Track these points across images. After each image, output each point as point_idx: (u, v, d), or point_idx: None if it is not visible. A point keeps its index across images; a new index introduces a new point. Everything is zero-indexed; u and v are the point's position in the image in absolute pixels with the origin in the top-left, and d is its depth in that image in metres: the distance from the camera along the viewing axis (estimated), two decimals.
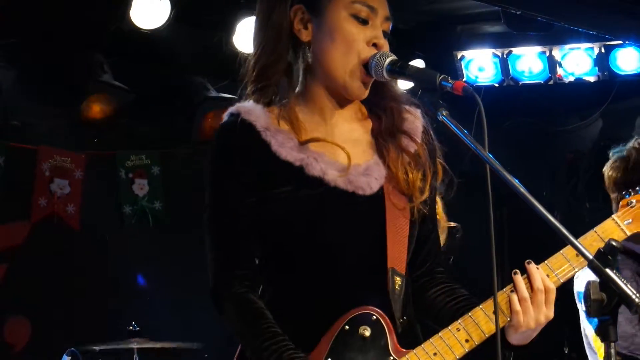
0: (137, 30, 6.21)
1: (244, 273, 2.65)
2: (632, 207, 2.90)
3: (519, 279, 2.64)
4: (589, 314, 2.28)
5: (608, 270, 2.24)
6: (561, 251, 2.73)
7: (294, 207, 2.63)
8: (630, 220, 2.89)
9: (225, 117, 2.75)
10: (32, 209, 7.00)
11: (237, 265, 2.65)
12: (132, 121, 7.20)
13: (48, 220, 7.02)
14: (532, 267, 2.66)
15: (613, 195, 4.23)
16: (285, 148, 2.66)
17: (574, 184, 7.76)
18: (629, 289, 2.22)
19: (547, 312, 2.63)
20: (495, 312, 2.48)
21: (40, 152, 7.08)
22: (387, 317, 2.63)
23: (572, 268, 2.73)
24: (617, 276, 2.23)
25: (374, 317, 2.62)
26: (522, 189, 2.38)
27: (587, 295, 2.25)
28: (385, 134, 2.76)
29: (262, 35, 2.76)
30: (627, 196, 2.93)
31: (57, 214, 7.05)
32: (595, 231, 2.82)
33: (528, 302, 2.61)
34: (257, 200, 2.65)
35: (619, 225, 2.85)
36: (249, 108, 2.70)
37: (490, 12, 6.89)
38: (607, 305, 2.24)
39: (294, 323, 2.61)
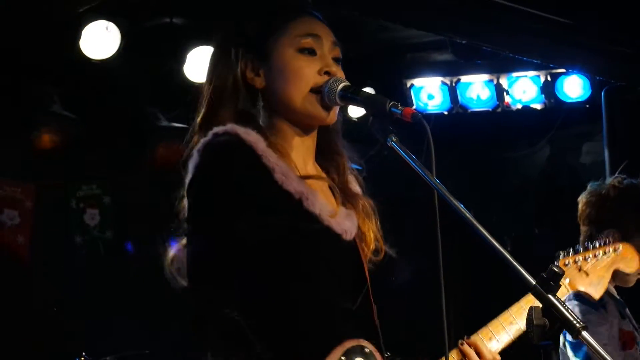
0: (87, 60, 6.20)
1: (231, 296, 2.57)
2: (569, 267, 3.12)
3: (469, 349, 2.82)
4: (532, 340, 2.33)
5: (550, 296, 2.29)
6: (498, 317, 2.94)
7: (289, 239, 2.62)
8: (569, 280, 3.08)
9: (216, 136, 2.64)
10: None
11: (226, 287, 2.57)
12: (83, 151, 7.17)
13: None
14: (474, 339, 2.84)
15: (583, 229, 4.31)
16: (288, 178, 2.64)
17: (523, 210, 7.85)
18: (570, 315, 2.27)
19: None
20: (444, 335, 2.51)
21: None
22: (377, 351, 2.69)
23: (509, 336, 2.93)
24: (559, 302, 2.28)
25: (367, 350, 2.66)
26: (469, 215, 2.42)
27: (529, 320, 2.30)
28: (340, 188, 2.83)
29: (208, 86, 2.80)
30: (561, 257, 3.13)
31: (7, 245, 6.98)
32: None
33: None
34: (251, 225, 2.58)
35: (562, 283, 3.03)
36: (246, 129, 2.65)
37: (438, 41, 6.98)
38: (550, 330, 2.29)
39: (286, 356, 2.59)
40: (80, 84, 6.78)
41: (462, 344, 2.80)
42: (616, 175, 4.46)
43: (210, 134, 2.65)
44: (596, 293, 3.25)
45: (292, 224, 2.62)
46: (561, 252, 3.23)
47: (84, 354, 6.01)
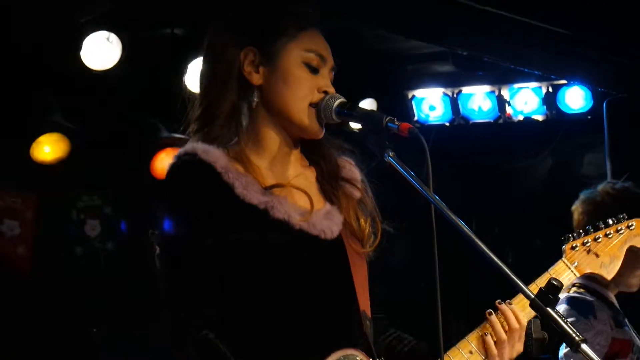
0: (89, 71, 6.19)
1: (206, 316, 2.56)
2: (576, 250, 3.03)
3: (496, 320, 2.71)
4: (530, 353, 2.32)
5: (549, 309, 2.27)
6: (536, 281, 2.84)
7: (261, 251, 2.59)
8: (577, 263, 3.01)
9: (177, 157, 2.66)
10: None
11: (199, 307, 2.56)
12: (84, 161, 7.16)
13: None
14: (504, 306, 2.72)
15: None
16: (250, 191, 2.62)
17: (525, 222, 7.83)
18: (569, 328, 2.25)
19: (518, 347, 2.69)
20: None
21: None
22: (367, 358, 2.63)
23: None
24: (558, 315, 2.26)
25: (358, 359, 2.62)
26: (467, 230, 2.40)
27: (528, 334, 2.28)
28: (329, 180, 2.79)
29: (210, 73, 2.77)
30: (569, 240, 3.06)
31: (7, 256, 6.97)
32: (549, 272, 2.95)
33: (505, 343, 2.68)
34: (218, 243, 2.58)
35: (569, 267, 2.97)
36: (206, 148, 2.65)
37: (439, 53, 6.98)
38: (549, 343, 2.28)
39: None
40: (81, 95, 6.78)
41: (500, 303, 2.74)
42: (607, 181, 4.45)
43: (175, 155, 2.67)
44: (608, 274, 3.10)
45: (260, 236, 2.59)
46: (570, 236, 3.10)
47: None
